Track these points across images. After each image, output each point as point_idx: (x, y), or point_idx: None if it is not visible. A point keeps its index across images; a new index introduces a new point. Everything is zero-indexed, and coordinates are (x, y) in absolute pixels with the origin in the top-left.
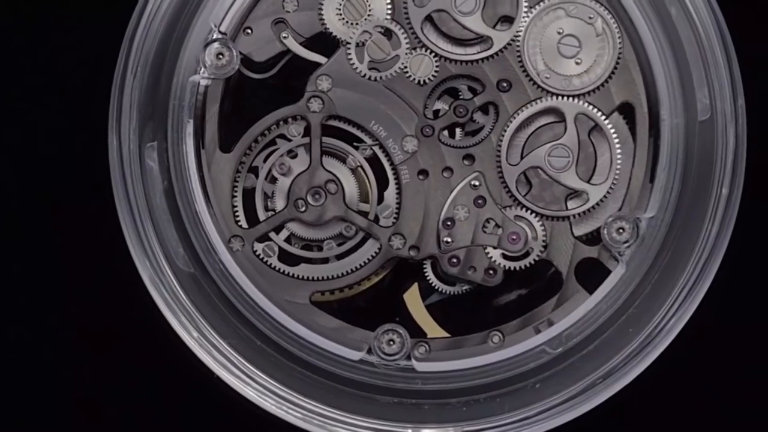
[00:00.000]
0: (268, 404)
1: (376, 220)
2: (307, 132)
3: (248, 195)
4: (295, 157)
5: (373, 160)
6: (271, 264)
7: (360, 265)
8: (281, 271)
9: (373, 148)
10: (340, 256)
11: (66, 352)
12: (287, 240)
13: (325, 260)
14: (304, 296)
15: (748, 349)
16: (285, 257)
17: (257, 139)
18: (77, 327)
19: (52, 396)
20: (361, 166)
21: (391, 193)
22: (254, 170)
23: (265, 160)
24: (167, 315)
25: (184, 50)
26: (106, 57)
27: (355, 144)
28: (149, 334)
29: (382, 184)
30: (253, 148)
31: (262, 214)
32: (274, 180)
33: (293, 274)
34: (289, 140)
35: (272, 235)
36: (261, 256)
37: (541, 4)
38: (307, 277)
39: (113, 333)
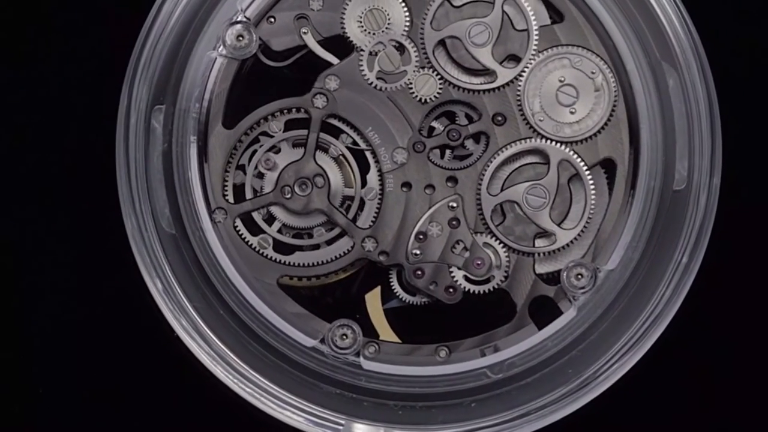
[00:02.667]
0: (219, 370)
1: (362, 204)
2: (288, 127)
3: (239, 191)
4: (278, 152)
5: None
6: (248, 241)
7: (330, 259)
8: (256, 249)
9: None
10: (314, 246)
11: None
12: (279, 231)
13: (299, 248)
14: (273, 278)
15: (676, 414)
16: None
17: (259, 121)
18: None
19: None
20: (343, 155)
21: (373, 176)
22: (242, 168)
23: (250, 159)
24: (141, 268)
25: (208, 25)
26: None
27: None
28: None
29: (364, 168)
30: (255, 128)
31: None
32: (261, 175)
33: (266, 255)
34: (271, 136)
35: (265, 227)
36: (241, 234)
37: (549, 50)
38: (278, 261)
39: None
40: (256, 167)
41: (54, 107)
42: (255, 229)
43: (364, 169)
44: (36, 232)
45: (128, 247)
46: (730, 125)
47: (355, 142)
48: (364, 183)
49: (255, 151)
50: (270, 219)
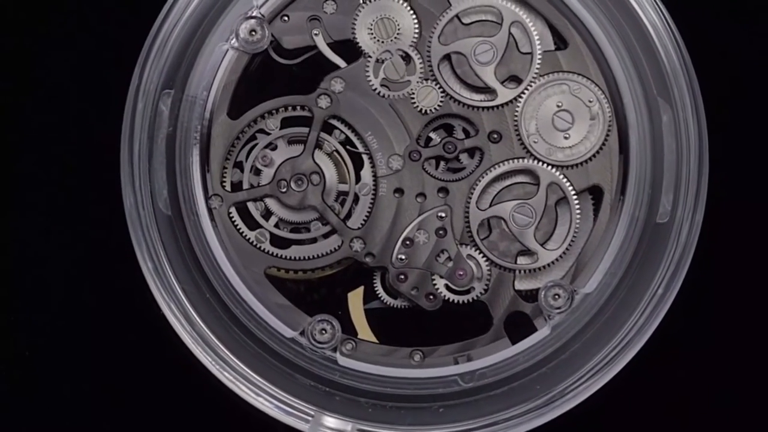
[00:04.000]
0: (199, 351)
1: (356, 200)
2: (285, 124)
3: (236, 188)
4: (275, 149)
5: (347, 144)
6: (240, 230)
7: (318, 255)
8: (247, 238)
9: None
10: (304, 241)
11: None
12: (276, 225)
13: (294, 242)
14: (261, 268)
15: None
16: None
17: (263, 115)
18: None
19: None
20: (337, 150)
21: (367, 172)
22: (239, 165)
23: (247, 156)
24: (135, 246)
25: (223, 18)
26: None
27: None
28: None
29: (357, 164)
30: (258, 122)
31: (251, 207)
32: (258, 172)
33: (256, 244)
34: (268, 134)
35: (262, 221)
36: (235, 222)
37: (550, 75)
38: (267, 251)
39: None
40: (253, 163)
41: (55, 107)
42: (252, 224)
43: (358, 165)
44: (35, 230)
45: (129, 246)
46: (719, 161)
47: (348, 138)
48: (358, 179)
49: (252, 148)
50: (267, 214)
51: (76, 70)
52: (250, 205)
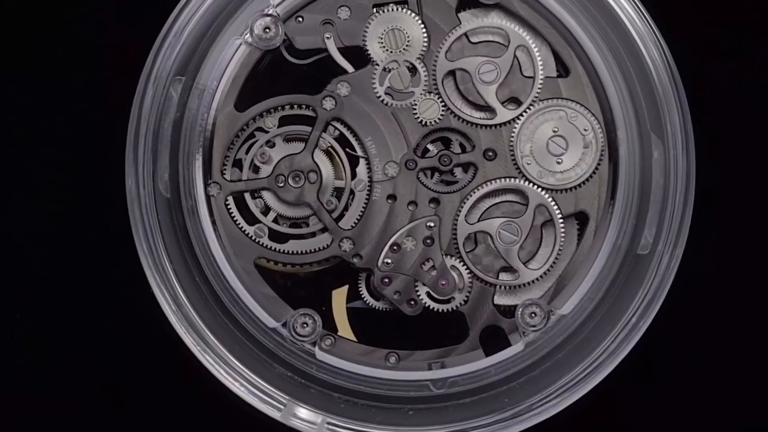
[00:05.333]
0: (183, 331)
1: (351, 195)
2: (282, 123)
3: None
4: (273, 146)
5: (342, 140)
6: (235, 219)
7: (307, 250)
8: (241, 228)
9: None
10: (298, 236)
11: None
12: (275, 221)
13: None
14: (250, 258)
15: None
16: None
17: (270, 110)
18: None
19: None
20: (332, 146)
21: (362, 168)
22: (238, 163)
23: (246, 153)
24: (132, 224)
25: (240, 12)
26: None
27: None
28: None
29: (353, 161)
30: (257, 120)
31: (250, 203)
32: (256, 169)
33: (248, 234)
34: (267, 132)
35: (261, 217)
36: (231, 211)
37: (549, 101)
38: (259, 242)
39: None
40: (252, 160)
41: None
42: (252, 219)
43: (354, 162)
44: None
45: (132, 248)
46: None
47: (342, 135)
48: (354, 175)
49: (251, 146)
50: (266, 210)
51: (89, 59)
52: (250, 202)
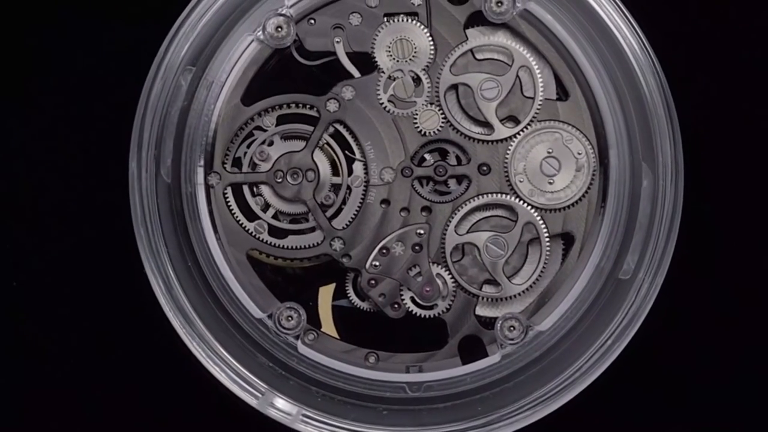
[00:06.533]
0: (171, 314)
1: (348, 190)
2: (280, 121)
3: (236, 186)
4: (271, 144)
5: (342, 141)
6: (232, 210)
7: (299, 246)
8: (236, 218)
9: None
10: (297, 232)
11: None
12: (274, 216)
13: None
14: (243, 248)
15: None
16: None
17: (275, 107)
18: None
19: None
20: (328, 143)
21: (358, 165)
22: (237, 162)
23: (245, 153)
24: (132, 204)
25: (254, 10)
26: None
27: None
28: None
29: (349, 158)
30: (256, 119)
31: (250, 200)
32: (255, 167)
33: (243, 225)
34: (265, 130)
35: (261, 213)
36: (228, 202)
37: (547, 122)
38: (252, 234)
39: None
40: (251, 158)
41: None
42: (252, 215)
43: (350, 158)
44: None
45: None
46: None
47: (337, 131)
48: (350, 172)
49: (249, 146)
50: (266, 207)
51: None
52: (250, 199)
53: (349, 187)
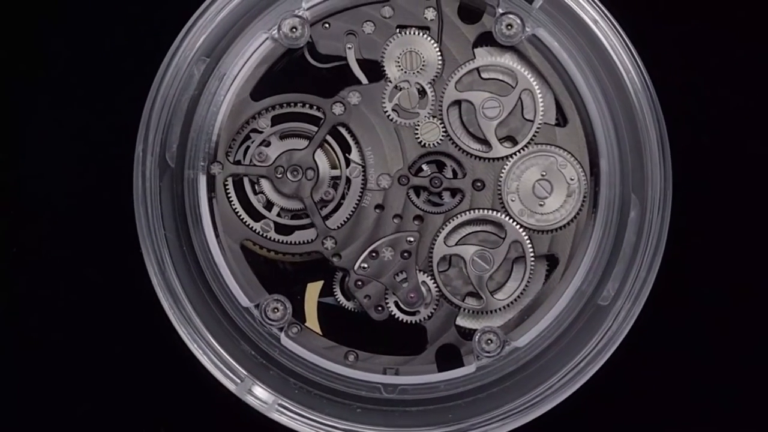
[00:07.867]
0: (162, 294)
1: (347, 183)
2: (275, 122)
3: (238, 183)
4: (268, 145)
5: (342, 143)
6: (230, 199)
7: (291, 242)
8: (234, 208)
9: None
10: (301, 227)
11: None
12: (278, 214)
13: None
14: (237, 238)
15: None
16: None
17: (282, 104)
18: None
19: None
20: (327, 141)
21: (355, 155)
22: (237, 163)
23: (244, 155)
24: (134, 185)
25: (271, 9)
26: None
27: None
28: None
29: (345, 149)
30: (261, 116)
31: (253, 199)
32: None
33: (239, 215)
34: (261, 132)
35: (265, 212)
36: (228, 192)
37: (543, 146)
38: (247, 224)
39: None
40: (251, 160)
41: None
42: (258, 215)
43: (346, 149)
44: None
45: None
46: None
47: (338, 131)
48: (347, 163)
49: (248, 148)
50: (269, 205)
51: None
52: (252, 198)
53: (348, 179)
